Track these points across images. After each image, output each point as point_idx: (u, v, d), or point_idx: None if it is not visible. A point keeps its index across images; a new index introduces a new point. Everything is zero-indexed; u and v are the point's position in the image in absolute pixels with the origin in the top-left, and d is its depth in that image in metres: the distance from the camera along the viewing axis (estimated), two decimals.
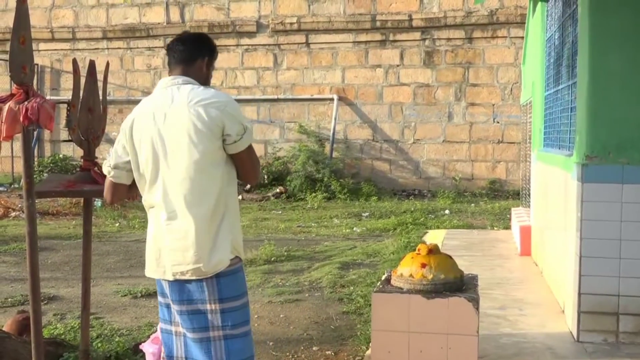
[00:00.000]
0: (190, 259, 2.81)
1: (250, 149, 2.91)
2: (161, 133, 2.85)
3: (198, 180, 2.81)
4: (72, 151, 16.47)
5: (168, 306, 2.97)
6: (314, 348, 4.77)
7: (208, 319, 2.85)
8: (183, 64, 2.98)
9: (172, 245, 2.85)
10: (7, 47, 3.28)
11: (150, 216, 2.99)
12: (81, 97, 3.70)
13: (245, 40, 16.16)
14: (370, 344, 4.22)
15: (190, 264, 2.81)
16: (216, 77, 16.35)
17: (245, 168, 2.93)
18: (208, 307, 2.85)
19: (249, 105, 16.03)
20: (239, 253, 2.93)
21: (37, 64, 16.71)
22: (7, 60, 3.35)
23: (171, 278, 2.87)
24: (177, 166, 2.82)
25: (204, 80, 3.04)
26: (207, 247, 2.81)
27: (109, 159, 3.03)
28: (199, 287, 2.84)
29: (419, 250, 3.94)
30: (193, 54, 3.00)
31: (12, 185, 15.32)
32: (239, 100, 16.66)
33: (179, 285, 2.87)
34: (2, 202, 12.46)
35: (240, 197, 14.46)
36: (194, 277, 2.83)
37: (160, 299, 3.03)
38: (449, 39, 15.20)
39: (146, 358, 3.41)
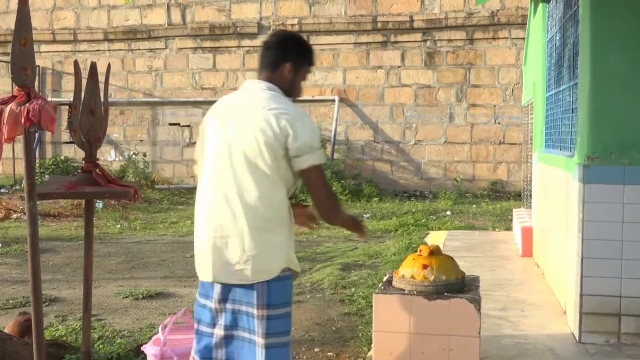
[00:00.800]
0: (241, 263, 2.79)
1: (317, 172, 2.80)
2: (232, 134, 2.81)
3: (261, 186, 2.77)
4: (74, 153, 16.47)
5: (211, 310, 2.93)
6: (316, 349, 4.76)
7: (254, 324, 2.83)
8: (267, 69, 2.90)
9: (231, 248, 2.82)
10: (9, 49, 3.28)
11: (202, 214, 2.91)
12: (82, 99, 3.70)
13: (247, 42, 16.17)
14: (371, 345, 4.22)
15: (240, 268, 2.79)
16: (217, 79, 16.38)
17: (312, 192, 2.85)
18: (256, 312, 2.82)
19: None
20: (294, 266, 2.92)
21: (39, 66, 16.72)
22: (8, 62, 3.35)
23: (222, 281, 2.84)
24: (240, 168, 2.79)
25: (289, 87, 2.94)
26: (264, 254, 2.80)
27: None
28: (249, 291, 2.82)
29: (420, 251, 3.93)
30: (277, 57, 2.88)
31: (14, 187, 15.32)
32: None
33: (228, 287, 2.86)
34: (4, 203, 12.47)
35: None
36: (242, 282, 2.81)
37: (201, 300, 2.98)
38: (450, 40, 15.20)
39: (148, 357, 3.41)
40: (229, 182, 2.82)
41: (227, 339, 2.92)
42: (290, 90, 2.94)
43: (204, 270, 2.91)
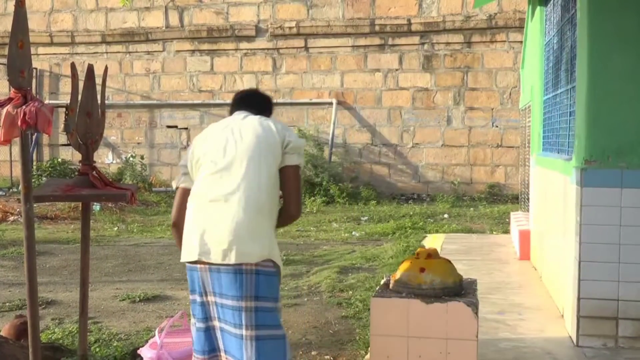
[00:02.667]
0: (234, 241, 2.93)
1: (299, 171, 3.20)
2: (236, 137, 3.13)
3: (263, 177, 3.06)
4: (71, 155, 16.45)
5: (202, 304, 3.04)
6: (313, 353, 4.75)
7: (241, 317, 2.94)
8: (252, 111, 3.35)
9: (220, 226, 2.97)
10: (6, 51, 3.28)
11: (200, 202, 3.09)
12: (79, 101, 3.69)
13: (244, 45, 16.17)
14: (369, 349, 4.21)
15: (225, 248, 2.93)
16: (215, 81, 16.38)
17: (291, 187, 3.17)
18: (244, 304, 2.93)
19: None
20: (277, 260, 3.05)
21: (36, 68, 16.71)
22: (5, 64, 3.35)
23: (205, 260, 2.96)
24: (244, 164, 3.06)
25: None
26: (251, 235, 2.97)
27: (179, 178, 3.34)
28: (238, 281, 2.94)
29: (417, 254, 3.93)
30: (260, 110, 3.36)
31: (11, 190, 15.29)
32: None
33: (217, 275, 2.97)
34: (1, 206, 12.45)
35: None
36: (225, 262, 2.93)
37: (192, 297, 3.10)
38: (447, 44, 15.22)
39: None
40: (234, 177, 3.05)
41: (221, 331, 3.03)
42: None
43: (190, 249, 3.03)
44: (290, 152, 3.15)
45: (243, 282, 2.94)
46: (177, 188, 3.39)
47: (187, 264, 3.08)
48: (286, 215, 3.19)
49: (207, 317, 3.06)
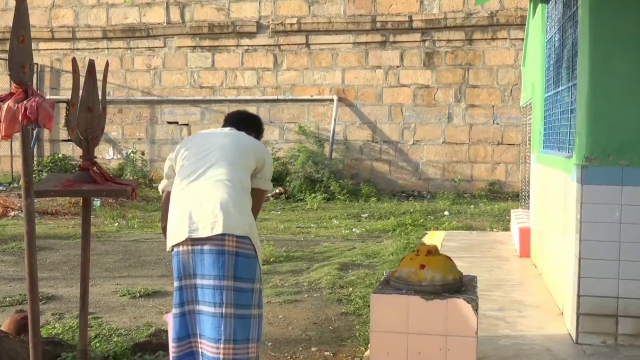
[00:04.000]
0: (221, 215, 3.24)
1: (264, 195, 3.78)
2: (221, 140, 3.55)
3: (244, 175, 3.50)
4: (72, 151, 16.47)
5: (180, 288, 3.32)
6: (313, 349, 4.76)
7: (221, 296, 3.21)
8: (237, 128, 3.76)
9: (207, 204, 3.28)
10: (7, 47, 3.28)
11: (184, 187, 3.41)
12: (80, 97, 3.69)
13: (246, 41, 16.17)
14: (368, 345, 4.22)
15: (213, 221, 3.23)
16: (216, 78, 16.37)
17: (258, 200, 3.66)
18: (224, 283, 3.21)
19: (248, 106, 16.01)
20: (256, 241, 3.36)
21: (37, 64, 16.71)
22: (6, 60, 3.35)
23: (194, 235, 3.24)
24: (228, 160, 3.45)
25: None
26: (236, 211, 3.30)
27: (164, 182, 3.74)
28: (220, 261, 3.22)
29: (418, 251, 3.93)
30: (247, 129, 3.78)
31: (12, 185, 15.31)
32: (238, 101, 16.62)
33: (200, 257, 3.25)
34: (1, 201, 12.46)
35: None
36: (213, 234, 3.22)
37: (176, 283, 3.35)
38: (449, 41, 15.21)
39: (169, 327, 3.52)
40: (219, 171, 3.40)
41: (198, 314, 3.29)
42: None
43: (179, 232, 3.29)
44: (260, 177, 3.64)
45: (225, 263, 3.22)
46: (162, 192, 3.74)
47: (174, 250, 3.33)
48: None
49: (184, 302, 3.31)
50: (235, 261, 3.24)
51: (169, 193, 3.60)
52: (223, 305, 3.21)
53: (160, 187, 3.77)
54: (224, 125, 3.82)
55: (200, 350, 3.29)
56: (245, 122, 3.84)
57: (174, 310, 3.35)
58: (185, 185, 3.39)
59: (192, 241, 3.24)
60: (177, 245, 3.29)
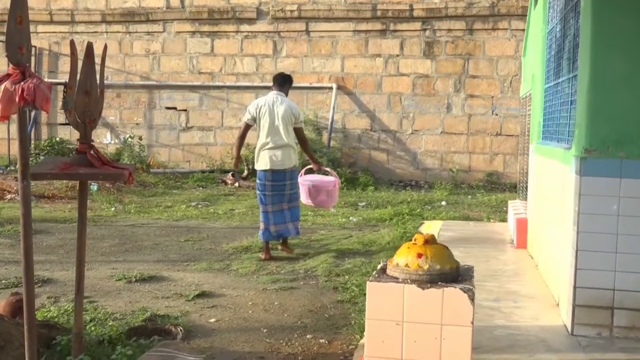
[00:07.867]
0: (284, 159, 7.35)
1: (302, 131, 7.71)
2: (276, 109, 7.36)
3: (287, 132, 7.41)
4: (69, 134, 16.41)
5: (264, 186, 7.38)
6: (308, 336, 4.77)
7: (285, 192, 7.42)
8: (278, 87, 7.58)
9: (276, 153, 7.33)
10: (4, 29, 3.25)
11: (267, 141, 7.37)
12: (78, 80, 3.66)
13: (245, 27, 16.10)
14: (364, 333, 4.22)
15: (282, 160, 7.34)
16: (215, 64, 16.31)
17: (300, 137, 7.61)
18: (287, 183, 7.42)
19: (247, 92, 15.99)
20: (297, 165, 7.50)
21: (35, 47, 16.62)
22: (3, 42, 3.32)
23: (273, 168, 7.31)
24: (280, 123, 7.35)
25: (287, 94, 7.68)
26: (290, 158, 7.42)
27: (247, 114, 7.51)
28: (283, 175, 7.35)
29: (415, 240, 3.92)
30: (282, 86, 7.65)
31: (8, 168, 15.26)
32: (237, 87, 16.53)
33: (276, 173, 7.31)
34: None
35: (236, 184, 14.44)
36: (282, 168, 7.35)
37: (260, 186, 7.46)
38: (449, 30, 15.16)
39: (301, 189, 7.67)
40: (279, 126, 7.35)
41: (273, 212, 7.42)
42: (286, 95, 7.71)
43: (265, 163, 7.30)
44: (297, 122, 7.46)
45: (286, 176, 7.34)
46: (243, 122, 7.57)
47: (260, 170, 7.37)
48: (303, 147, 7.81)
49: (266, 204, 7.41)
50: (291, 174, 7.49)
51: (245, 123, 7.42)
52: (285, 200, 7.43)
53: (243, 118, 7.56)
54: (273, 84, 7.59)
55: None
56: (283, 82, 7.58)
57: (263, 208, 7.48)
58: (267, 136, 7.33)
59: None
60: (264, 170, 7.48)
